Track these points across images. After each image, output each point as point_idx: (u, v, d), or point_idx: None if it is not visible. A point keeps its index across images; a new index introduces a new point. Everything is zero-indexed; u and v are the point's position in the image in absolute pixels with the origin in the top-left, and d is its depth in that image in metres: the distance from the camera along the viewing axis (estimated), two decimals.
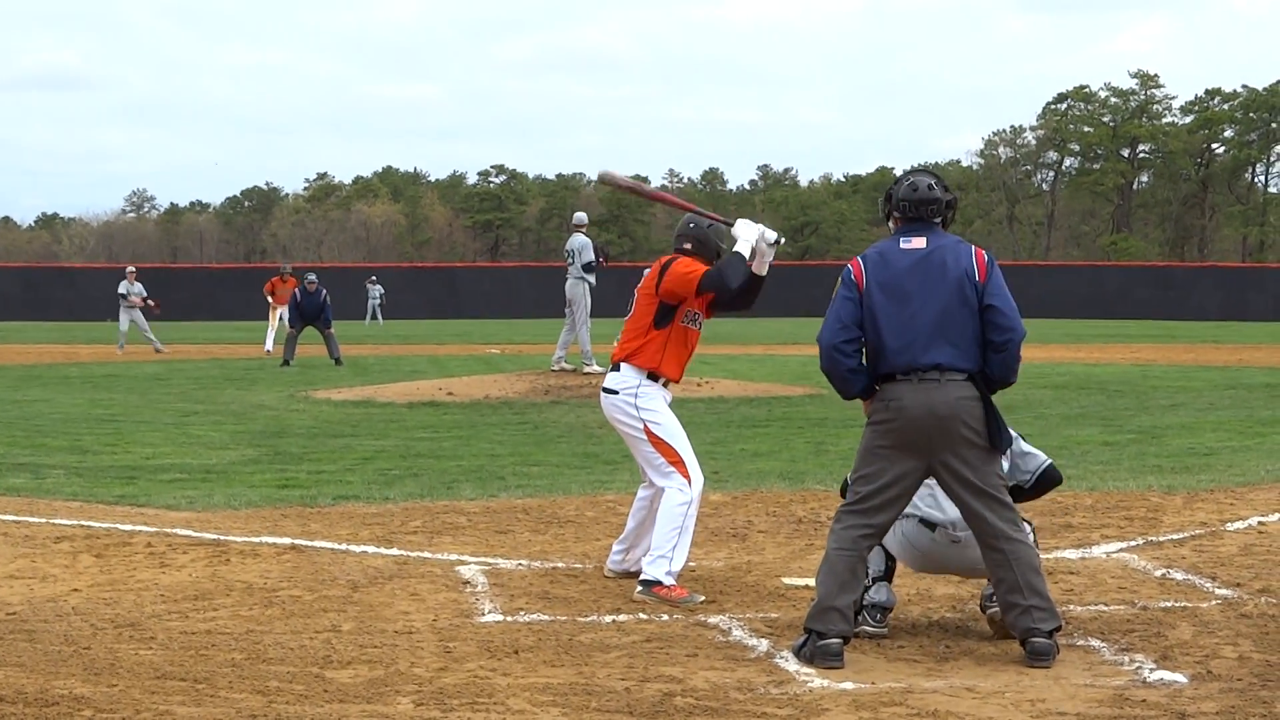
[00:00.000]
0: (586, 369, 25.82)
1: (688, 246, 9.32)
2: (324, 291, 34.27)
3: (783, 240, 9.12)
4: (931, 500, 7.82)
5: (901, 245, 7.66)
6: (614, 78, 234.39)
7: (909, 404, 7.41)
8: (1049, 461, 7.97)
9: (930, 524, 7.82)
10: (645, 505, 9.34)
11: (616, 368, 9.22)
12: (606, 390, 9.25)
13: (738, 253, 9.03)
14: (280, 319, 38.48)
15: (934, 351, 7.43)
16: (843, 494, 8.16)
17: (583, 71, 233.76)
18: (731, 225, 9.19)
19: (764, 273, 9.13)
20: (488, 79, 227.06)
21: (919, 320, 7.46)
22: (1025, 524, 7.63)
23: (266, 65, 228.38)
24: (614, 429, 9.43)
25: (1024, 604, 7.35)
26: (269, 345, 38.59)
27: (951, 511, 7.72)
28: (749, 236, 9.05)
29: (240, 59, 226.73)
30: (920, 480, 7.58)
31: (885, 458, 7.49)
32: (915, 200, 7.71)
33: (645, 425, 9.06)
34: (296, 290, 34.48)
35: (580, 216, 27.44)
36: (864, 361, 7.64)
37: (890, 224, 7.88)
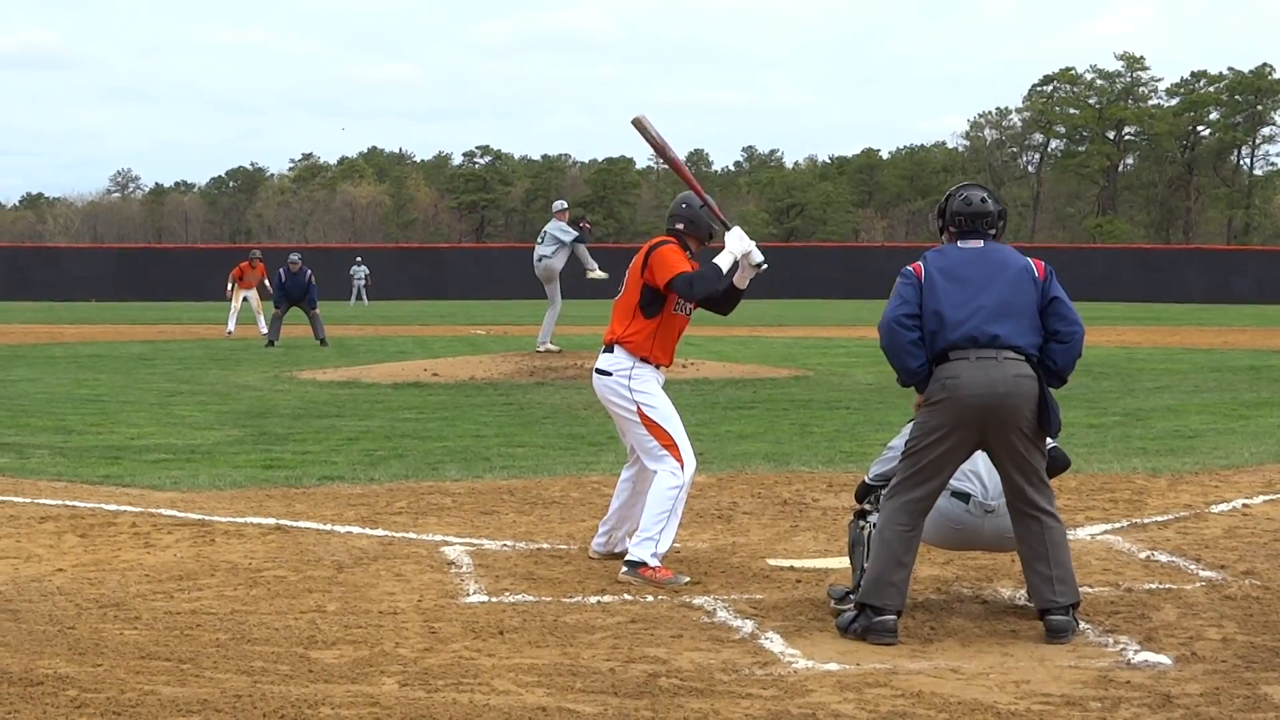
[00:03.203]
0: (541, 348, 25.84)
1: (679, 226, 9.28)
2: (309, 271, 34.14)
3: (766, 266, 9.08)
4: (961, 474, 7.87)
5: (960, 245, 7.82)
6: (596, 59, 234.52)
7: (966, 380, 7.45)
8: (1053, 444, 8.01)
9: (963, 496, 7.86)
10: (629, 487, 9.33)
11: (610, 349, 9.19)
12: (599, 371, 9.21)
13: (716, 265, 8.98)
14: (244, 300, 38.65)
15: (993, 326, 7.50)
16: (858, 499, 8.29)
17: (564, 53, 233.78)
18: (727, 229, 9.15)
19: (744, 286, 9.14)
20: (469, 60, 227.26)
21: (979, 299, 7.56)
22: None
23: (247, 45, 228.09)
24: (605, 409, 9.41)
25: (1046, 574, 7.49)
26: (231, 326, 38.51)
27: (981, 483, 7.84)
28: (735, 250, 9.02)
29: (221, 39, 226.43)
30: (970, 454, 7.68)
31: (939, 432, 7.54)
32: (970, 214, 7.85)
33: (639, 407, 9.04)
34: (281, 270, 34.26)
35: (559, 204, 27.10)
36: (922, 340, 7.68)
37: (943, 238, 8.01)
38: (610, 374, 9.11)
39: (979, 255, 7.73)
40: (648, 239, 9.27)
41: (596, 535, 9.55)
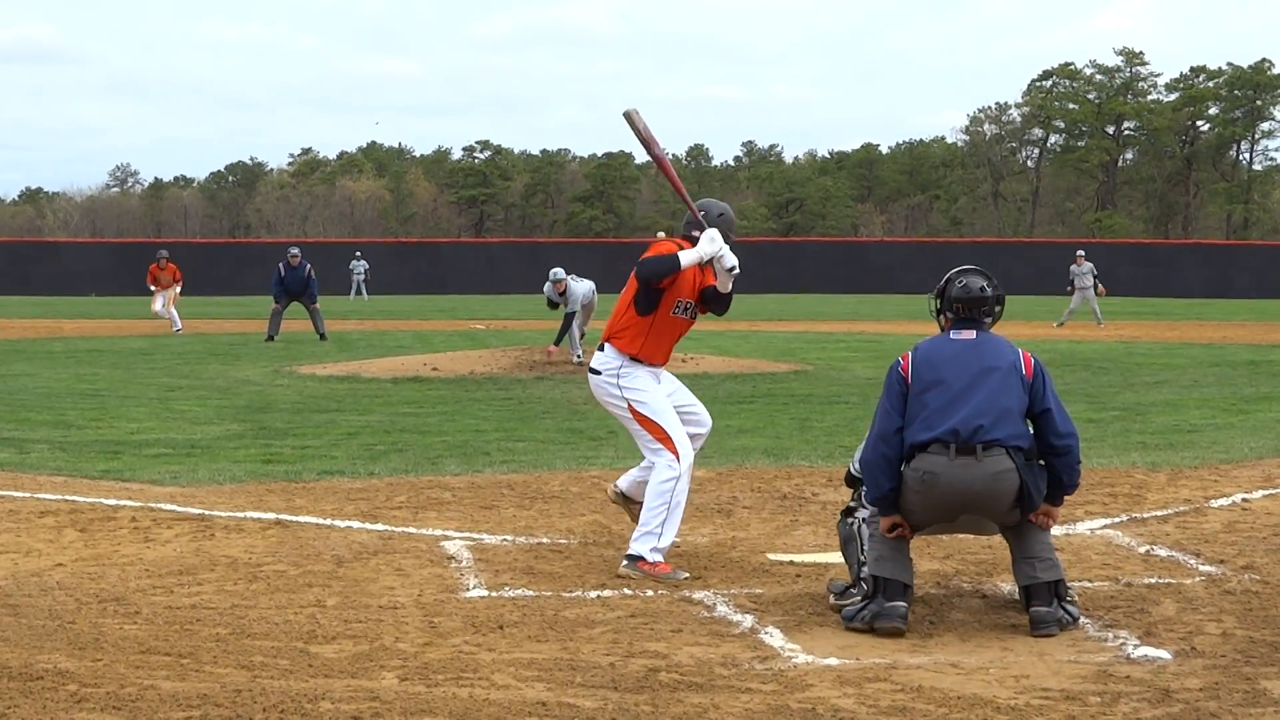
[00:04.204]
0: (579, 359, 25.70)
1: (696, 234, 9.33)
2: (308, 266, 34.06)
3: (737, 270, 9.06)
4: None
5: (952, 336, 7.89)
6: (594, 54, 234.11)
7: (943, 479, 7.52)
8: None
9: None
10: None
11: (602, 347, 9.23)
12: (591, 370, 9.26)
13: (675, 257, 8.98)
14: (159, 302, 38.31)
15: (975, 419, 7.54)
16: (848, 484, 8.37)
17: (562, 48, 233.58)
18: (704, 229, 9.15)
19: (728, 289, 9.14)
20: (467, 55, 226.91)
21: (963, 394, 7.61)
22: None
23: (246, 40, 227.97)
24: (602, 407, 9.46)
25: (1027, 556, 7.60)
26: (178, 324, 37.97)
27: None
28: (704, 251, 9.00)
29: (220, 34, 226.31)
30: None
31: (918, 515, 7.70)
32: (969, 300, 7.93)
33: (629, 404, 9.06)
34: (280, 265, 34.16)
35: (557, 272, 26.42)
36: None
37: (940, 320, 8.05)
38: (600, 373, 9.17)
39: (970, 350, 7.77)
40: (647, 235, 9.29)
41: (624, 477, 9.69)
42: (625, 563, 8.85)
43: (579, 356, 25.40)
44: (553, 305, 26.40)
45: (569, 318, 26.02)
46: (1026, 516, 7.68)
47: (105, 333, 37.75)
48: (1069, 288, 42.32)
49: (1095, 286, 41.72)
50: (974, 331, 7.87)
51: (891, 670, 6.73)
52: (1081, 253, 44.02)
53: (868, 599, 7.56)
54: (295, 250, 34.73)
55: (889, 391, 7.78)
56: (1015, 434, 7.59)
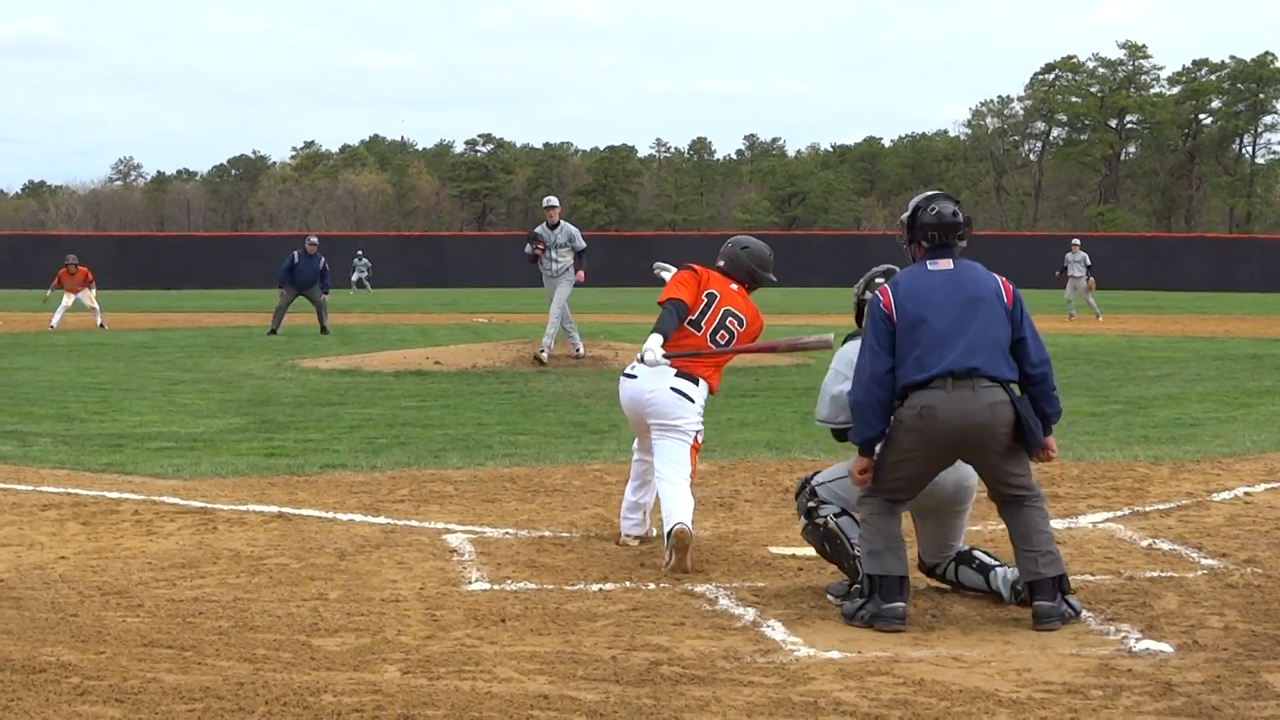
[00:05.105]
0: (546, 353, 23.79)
1: (720, 264, 9.58)
2: (322, 257, 33.81)
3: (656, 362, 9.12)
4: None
5: (929, 267, 7.79)
6: (595, 47, 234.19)
7: (942, 411, 7.48)
8: None
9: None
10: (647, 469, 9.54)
11: (695, 380, 9.29)
12: (676, 390, 9.24)
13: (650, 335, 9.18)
14: (76, 299, 37.67)
15: (969, 358, 7.51)
16: (796, 496, 8.45)
17: (562, 41, 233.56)
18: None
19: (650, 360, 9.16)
20: (468, 48, 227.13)
21: (953, 330, 7.56)
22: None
23: (248, 33, 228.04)
24: (640, 410, 9.35)
25: (1030, 550, 7.56)
26: (55, 320, 36.99)
27: None
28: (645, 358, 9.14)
29: (222, 27, 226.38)
30: (941, 471, 7.76)
31: (911, 460, 7.61)
32: (942, 226, 7.83)
33: (698, 436, 9.34)
34: (295, 252, 33.65)
35: (551, 199, 24.75)
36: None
37: (909, 248, 7.98)
38: (692, 401, 9.36)
39: (951, 281, 7.69)
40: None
41: (627, 519, 9.73)
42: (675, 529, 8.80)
43: (579, 349, 24.29)
44: (533, 259, 23.94)
45: (559, 293, 23.64)
46: (1032, 454, 7.64)
47: (108, 326, 37.71)
48: (1058, 273, 42.41)
49: (1086, 278, 41.71)
50: (950, 260, 7.76)
51: (893, 663, 6.73)
52: (1077, 242, 44.04)
53: (865, 598, 7.55)
54: (315, 239, 34.42)
55: (875, 330, 7.68)
56: (1007, 368, 7.59)
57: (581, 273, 23.88)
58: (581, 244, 23.94)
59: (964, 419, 7.45)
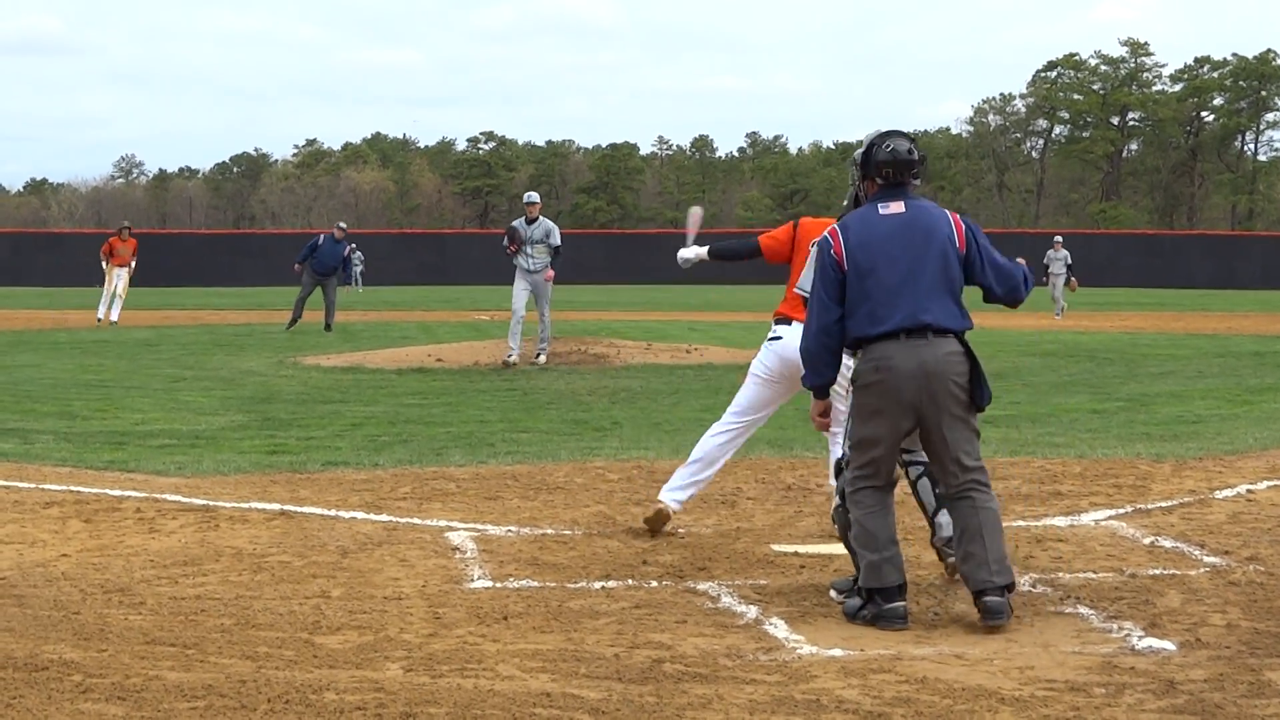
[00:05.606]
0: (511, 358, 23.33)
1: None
2: (348, 245, 33.33)
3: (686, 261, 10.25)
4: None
5: (881, 211, 7.66)
6: (597, 45, 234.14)
7: (899, 362, 7.42)
8: None
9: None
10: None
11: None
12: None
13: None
14: (116, 282, 36.61)
15: (921, 312, 7.44)
16: (836, 474, 8.28)
17: (564, 38, 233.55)
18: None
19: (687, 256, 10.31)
20: (470, 46, 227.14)
21: (905, 282, 7.48)
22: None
23: (250, 31, 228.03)
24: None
25: (982, 555, 7.42)
26: (101, 313, 36.80)
27: None
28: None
29: (224, 24, 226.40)
30: (908, 434, 7.66)
31: (879, 419, 7.53)
32: (897, 164, 7.69)
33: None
34: (321, 236, 33.01)
35: (532, 195, 24.48)
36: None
37: (862, 185, 7.91)
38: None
39: (904, 228, 7.57)
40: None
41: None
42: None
43: (540, 356, 23.55)
44: (511, 250, 23.55)
45: (537, 298, 23.39)
46: (982, 408, 7.59)
47: (119, 323, 37.70)
48: (1044, 279, 42.32)
49: (1067, 278, 41.72)
50: (902, 203, 7.64)
51: (896, 661, 6.73)
52: (1059, 239, 44.05)
53: (865, 601, 7.53)
54: (343, 224, 33.90)
55: (823, 279, 7.61)
56: (961, 316, 7.56)
57: (551, 271, 23.71)
58: (558, 241, 23.82)
59: (920, 365, 7.39)
